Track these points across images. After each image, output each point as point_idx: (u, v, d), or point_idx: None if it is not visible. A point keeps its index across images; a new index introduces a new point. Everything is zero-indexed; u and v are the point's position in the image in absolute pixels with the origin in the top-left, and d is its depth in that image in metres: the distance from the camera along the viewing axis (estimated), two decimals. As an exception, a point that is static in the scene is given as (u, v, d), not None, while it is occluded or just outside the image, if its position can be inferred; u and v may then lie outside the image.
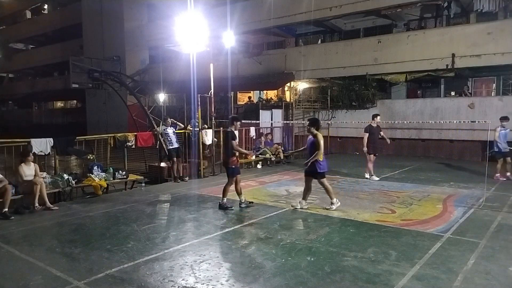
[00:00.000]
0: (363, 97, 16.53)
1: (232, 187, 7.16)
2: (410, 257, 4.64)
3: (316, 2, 17.13)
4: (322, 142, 6.79)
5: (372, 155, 10.09)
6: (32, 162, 7.40)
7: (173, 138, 10.17)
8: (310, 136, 7.05)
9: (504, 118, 10.02)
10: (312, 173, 6.96)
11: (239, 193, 7.23)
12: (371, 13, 17.62)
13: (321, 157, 6.79)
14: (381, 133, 10.35)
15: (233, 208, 7.09)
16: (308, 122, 7.26)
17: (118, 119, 22.83)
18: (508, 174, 9.89)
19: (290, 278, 4.09)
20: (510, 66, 14.01)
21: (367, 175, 10.19)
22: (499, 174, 9.88)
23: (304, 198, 7.14)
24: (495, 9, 15.03)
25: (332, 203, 6.95)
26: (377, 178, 9.99)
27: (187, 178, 10.30)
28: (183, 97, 21.16)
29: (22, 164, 7.25)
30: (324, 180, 6.95)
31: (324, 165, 6.91)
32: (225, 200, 7.12)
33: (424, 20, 17.99)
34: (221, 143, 8.65)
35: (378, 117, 10.37)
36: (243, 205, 7.19)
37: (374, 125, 10.13)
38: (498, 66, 14.32)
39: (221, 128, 12.21)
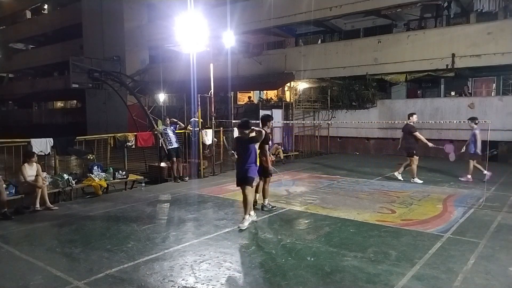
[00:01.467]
0: (363, 97, 16.52)
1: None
2: (410, 257, 4.64)
3: (316, 2, 17.12)
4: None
5: (417, 157, 9.64)
6: (34, 162, 7.41)
7: (173, 138, 10.16)
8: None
9: (470, 119, 9.63)
10: (244, 180, 5.90)
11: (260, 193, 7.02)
12: (371, 13, 17.61)
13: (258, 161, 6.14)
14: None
15: (275, 207, 7.01)
16: (244, 125, 5.94)
17: (118, 119, 22.82)
18: (469, 176, 9.64)
19: (290, 278, 4.10)
20: (510, 66, 14.00)
21: (411, 179, 9.65)
22: (470, 176, 9.64)
23: (251, 208, 6.15)
24: (495, 9, 15.03)
25: (244, 218, 5.88)
26: (420, 181, 9.51)
27: (187, 178, 10.30)
28: (183, 97, 21.16)
29: (25, 165, 7.25)
30: (251, 191, 6.00)
31: (257, 170, 6.16)
32: (266, 201, 6.97)
33: (424, 20, 17.98)
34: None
35: (415, 116, 9.83)
36: (265, 208, 6.92)
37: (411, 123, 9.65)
38: (498, 66, 14.30)
39: (221, 128, 12.24)
